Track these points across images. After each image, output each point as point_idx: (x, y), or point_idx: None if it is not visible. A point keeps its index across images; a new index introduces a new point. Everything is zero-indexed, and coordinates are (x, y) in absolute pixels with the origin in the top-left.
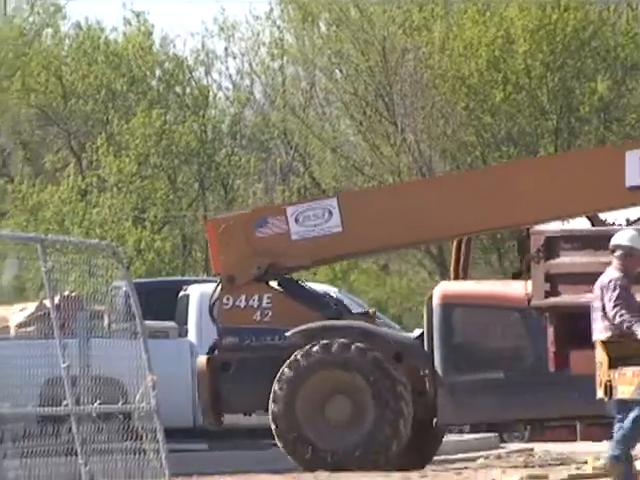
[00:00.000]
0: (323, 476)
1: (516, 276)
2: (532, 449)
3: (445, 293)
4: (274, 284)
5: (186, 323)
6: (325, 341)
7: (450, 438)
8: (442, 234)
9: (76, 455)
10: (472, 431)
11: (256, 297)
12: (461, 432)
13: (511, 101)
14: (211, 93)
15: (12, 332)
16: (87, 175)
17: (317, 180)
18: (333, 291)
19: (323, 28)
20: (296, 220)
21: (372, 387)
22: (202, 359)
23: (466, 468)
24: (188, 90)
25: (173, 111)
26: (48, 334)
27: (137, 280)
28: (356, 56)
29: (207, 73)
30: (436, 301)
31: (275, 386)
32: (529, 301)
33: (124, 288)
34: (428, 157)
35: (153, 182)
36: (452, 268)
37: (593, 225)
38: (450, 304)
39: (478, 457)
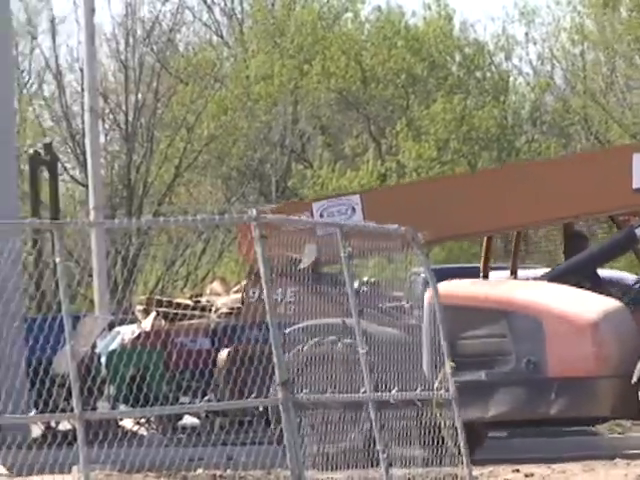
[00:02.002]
0: None
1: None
2: None
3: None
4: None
5: None
6: (317, 338)
7: None
8: (465, 231)
9: (375, 442)
10: None
11: (280, 291)
12: None
13: None
14: (511, 78)
15: None
16: (387, 160)
17: None
18: None
19: (624, 14)
20: (321, 216)
21: None
22: (223, 353)
23: None
24: (488, 75)
25: (473, 96)
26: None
27: (436, 266)
28: None
29: (507, 58)
30: (425, 300)
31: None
32: None
33: (423, 274)
34: None
35: (453, 167)
36: (481, 267)
37: (618, 227)
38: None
39: None
